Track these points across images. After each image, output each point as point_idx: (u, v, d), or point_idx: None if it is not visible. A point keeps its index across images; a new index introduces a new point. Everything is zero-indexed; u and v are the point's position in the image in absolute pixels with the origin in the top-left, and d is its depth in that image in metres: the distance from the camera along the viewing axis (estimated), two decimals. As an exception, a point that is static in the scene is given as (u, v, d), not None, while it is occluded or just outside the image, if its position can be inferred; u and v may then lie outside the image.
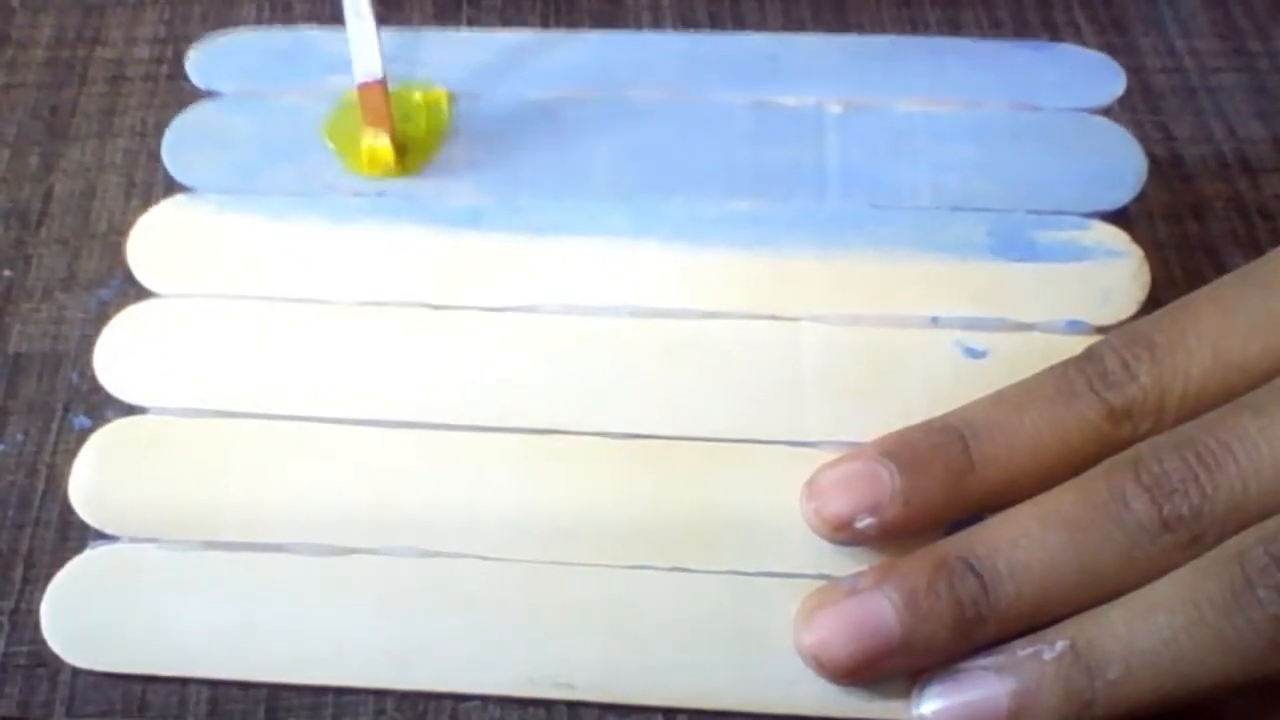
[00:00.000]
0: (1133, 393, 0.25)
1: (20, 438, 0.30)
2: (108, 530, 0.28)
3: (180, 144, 0.33)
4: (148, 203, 0.33)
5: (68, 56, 0.37)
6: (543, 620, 0.26)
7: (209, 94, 0.33)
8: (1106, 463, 0.25)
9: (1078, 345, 0.26)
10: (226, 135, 0.33)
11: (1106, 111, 0.32)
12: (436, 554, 0.27)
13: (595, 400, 0.29)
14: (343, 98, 0.33)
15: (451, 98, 0.33)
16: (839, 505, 0.26)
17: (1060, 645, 0.24)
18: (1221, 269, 0.31)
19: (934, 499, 0.26)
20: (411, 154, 0.32)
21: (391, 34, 0.34)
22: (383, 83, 0.31)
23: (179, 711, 0.26)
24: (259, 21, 0.37)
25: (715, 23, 0.37)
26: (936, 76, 0.33)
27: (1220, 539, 0.23)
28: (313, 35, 0.35)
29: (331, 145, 0.32)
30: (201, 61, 0.34)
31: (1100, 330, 0.29)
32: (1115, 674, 0.23)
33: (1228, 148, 0.35)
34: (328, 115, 0.33)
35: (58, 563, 0.27)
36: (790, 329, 0.30)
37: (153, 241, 0.31)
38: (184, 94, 0.34)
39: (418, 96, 0.33)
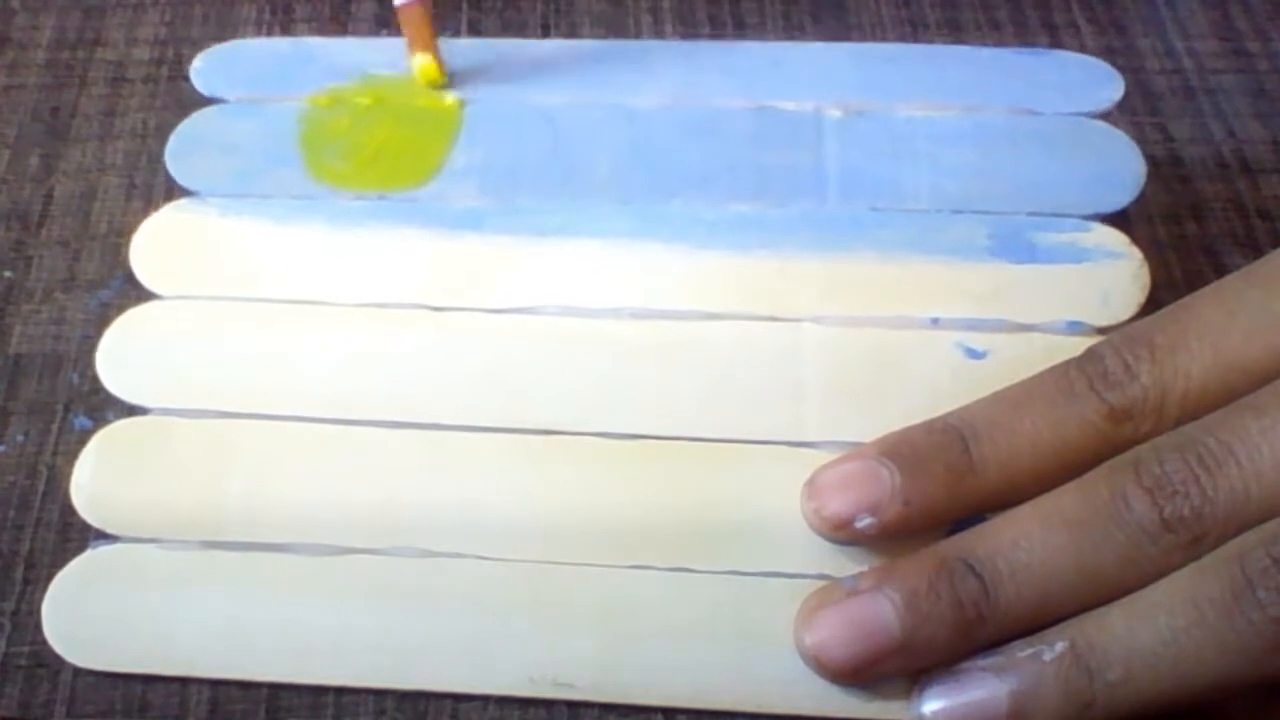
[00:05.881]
0: (1133, 393, 0.25)
1: (21, 438, 0.30)
2: (108, 530, 0.28)
3: (184, 149, 0.33)
4: (148, 204, 0.33)
5: (68, 58, 0.37)
6: (543, 620, 0.26)
7: (212, 100, 0.33)
8: (1107, 464, 0.25)
9: (1078, 346, 0.26)
10: (229, 141, 0.33)
11: (1105, 116, 0.32)
12: (436, 554, 0.27)
13: (596, 401, 0.29)
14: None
15: (462, 105, 0.33)
16: (839, 505, 0.26)
17: (1060, 646, 0.24)
18: (1221, 270, 0.31)
19: (934, 499, 0.26)
20: (423, 162, 0.32)
21: (392, 43, 0.34)
22: (423, 2, 0.32)
23: (179, 711, 0.26)
24: (259, 23, 0.37)
25: (715, 24, 0.37)
26: (936, 82, 0.33)
27: (1221, 540, 0.23)
28: (314, 44, 0.35)
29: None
30: (206, 70, 0.34)
31: (1100, 331, 0.29)
32: (1115, 675, 0.23)
33: (1227, 149, 0.35)
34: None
35: (58, 563, 0.27)
36: (791, 330, 0.30)
37: (156, 245, 0.31)
38: (184, 95, 0.34)
39: (424, 104, 0.33)
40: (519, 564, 0.27)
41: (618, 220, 0.31)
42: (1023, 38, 0.37)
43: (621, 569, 0.27)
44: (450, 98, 0.33)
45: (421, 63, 0.33)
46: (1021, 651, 0.24)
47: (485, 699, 0.26)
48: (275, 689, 0.27)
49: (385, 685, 0.26)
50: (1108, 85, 0.33)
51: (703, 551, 0.27)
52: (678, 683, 0.26)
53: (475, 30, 0.38)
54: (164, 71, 0.36)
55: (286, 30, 0.38)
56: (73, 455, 0.28)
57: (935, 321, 0.29)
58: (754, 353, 0.29)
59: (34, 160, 0.35)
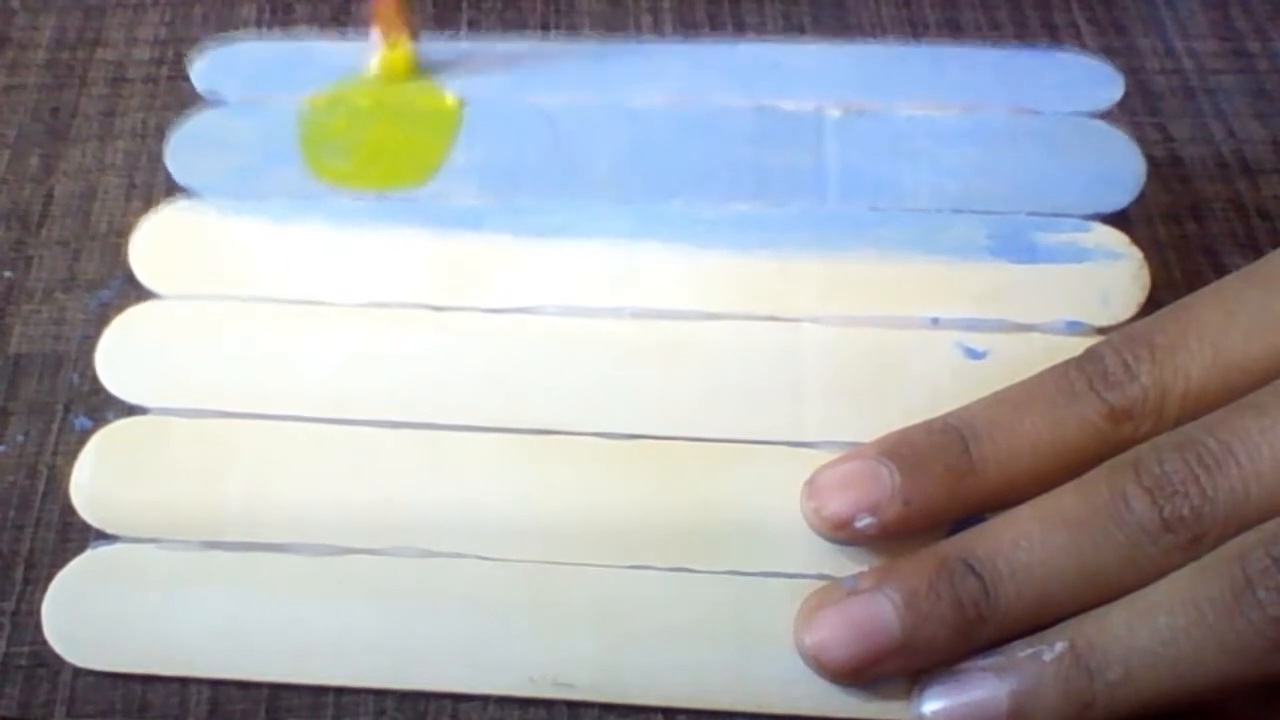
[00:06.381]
0: (1133, 393, 0.25)
1: (21, 438, 0.30)
2: (108, 530, 0.28)
3: (183, 148, 0.33)
4: (148, 204, 0.33)
5: (68, 58, 0.37)
6: (543, 620, 0.26)
7: (211, 99, 0.33)
8: (1107, 464, 0.25)
9: (1078, 346, 0.26)
10: (229, 140, 0.33)
11: (1105, 116, 0.32)
12: (436, 554, 0.27)
13: (596, 401, 0.29)
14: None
15: (462, 105, 0.33)
16: (839, 505, 0.26)
17: (1060, 646, 0.24)
18: (1221, 270, 0.31)
19: (934, 499, 0.26)
20: (422, 162, 0.32)
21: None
22: None
23: (179, 711, 0.26)
24: (259, 23, 0.37)
25: (714, 24, 0.37)
26: (936, 82, 0.33)
27: (1221, 540, 0.23)
28: (314, 44, 0.35)
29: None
30: (205, 69, 0.34)
31: (1100, 331, 0.29)
32: (1115, 675, 0.23)
33: (1227, 149, 0.35)
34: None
35: (58, 563, 0.27)
36: (790, 330, 0.30)
37: (155, 245, 0.31)
38: (185, 95, 0.34)
39: (424, 103, 0.33)
40: (519, 564, 0.27)
41: (617, 220, 0.31)
42: (1023, 38, 0.37)
43: (621, 569, 0.27)
44: (450, 97, 0.33)
45: (393, 52, 0.33)
46: (1021, 651, 0.24)
47: (485, 699, 0.26)
48: (275, 689, 0.27)
49: (385, 685, 0.26)
50: (1108, 85, 0.33)
51: (703, 551, 0.27)
52: (677, 683, 0.26)
53: (475, 30, 0.38)
54: (164, 71, 0.36)
55: (286, 30, 0.37)
56: (73, 455, 0.28)
57: (935, 321, 0.29)
58: (753, 353, 0.29)
59: (34, 160, 0.35)
